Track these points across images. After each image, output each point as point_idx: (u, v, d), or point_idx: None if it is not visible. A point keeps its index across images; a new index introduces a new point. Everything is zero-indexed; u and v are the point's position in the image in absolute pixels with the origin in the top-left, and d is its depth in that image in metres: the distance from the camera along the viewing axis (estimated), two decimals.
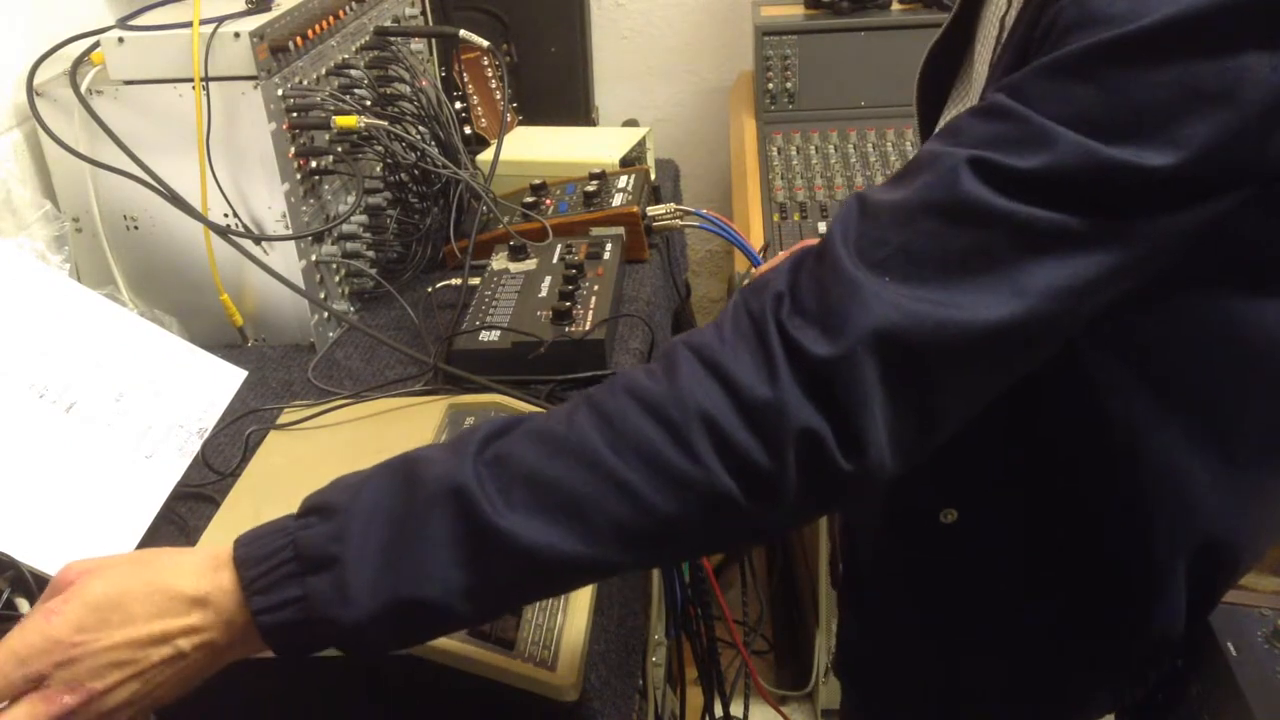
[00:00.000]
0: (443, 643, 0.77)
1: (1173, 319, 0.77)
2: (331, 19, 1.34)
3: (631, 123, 2.14)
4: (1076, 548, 0.87)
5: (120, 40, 1.20)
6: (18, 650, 0.64)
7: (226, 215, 1.23)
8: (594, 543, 0.63)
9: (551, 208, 1.44)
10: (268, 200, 1.23)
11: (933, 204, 0.65)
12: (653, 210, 1.43)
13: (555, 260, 1.30)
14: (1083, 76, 0.64)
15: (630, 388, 0.66)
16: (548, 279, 1.26)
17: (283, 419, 1.08)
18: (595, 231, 1.38)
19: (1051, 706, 0.97)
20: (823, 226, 1.80)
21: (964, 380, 0.66)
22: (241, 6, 1.23)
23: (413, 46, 1.53)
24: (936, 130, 0.84)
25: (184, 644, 0.66)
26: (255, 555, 0.66)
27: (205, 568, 0.66)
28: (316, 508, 0.67)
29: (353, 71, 1.35)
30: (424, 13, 1.68)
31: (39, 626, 0.64)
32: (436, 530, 0.64)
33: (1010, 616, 0.91)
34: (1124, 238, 0.64)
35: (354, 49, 1.39)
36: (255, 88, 1.18)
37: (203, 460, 1.07)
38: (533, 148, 1.69)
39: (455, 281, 1.34)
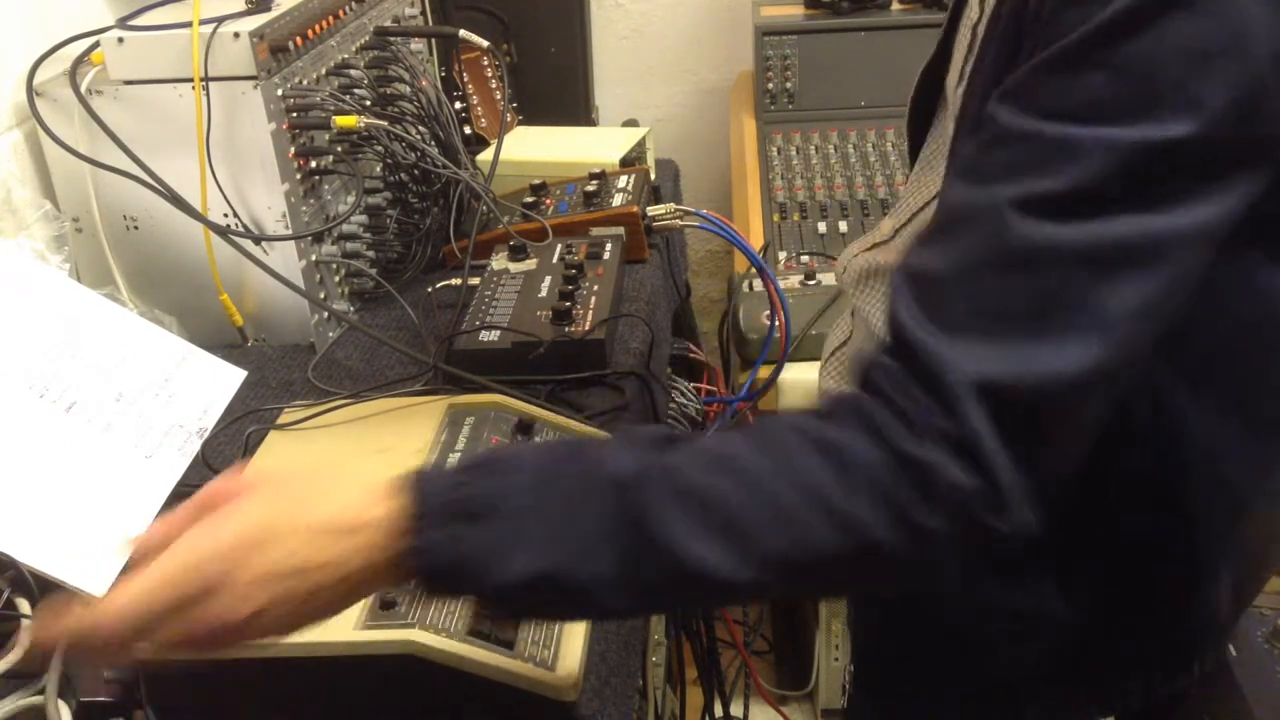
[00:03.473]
0: (443, 642, 0.77)
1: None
2: (331, 19, 1.34)
3: (631, 123, 2.14)
4: (1107, 528, 0.85)
5: (120, 40, 1.20)
6: (170, 573, 0.64)
7: (226, 215, 1.23)
8: (748, 566, 0.65)
9: (551, 208, 1.44)
10: (267, 200, 1.23)
11: (989, 260, 0.65)
12: (653, 210, 1.42)
13: (555, 260, 1.30)
14: (1084, 63, 0.64)
15: (802, 427, 0.68)
16: (548, 279, 1.26)
17: (283, 419, 1.08)
18: (595, 231, 1.38)
19: (1080, 698, 0.95)
20: (823, 226, 1.80)
21: (1081, 419, 0.67)
22: (241, 6, 1.23)
23: (413, 46, 1.53)
24: (950, 162, 0.83)
25: (324, 576, 0.65)
26: (423, 495, 0.66)
27: (364, 502, 0.66)
28: (488, 463, 0.68)
29: (353, 71, 1.35)
30: (424, 13, 1.68)
31: (191, 546, 0.64)
32: (599, 520, 0.65)
33: (1041, 605, 0.90)
34: (1180, 232, 0.64)
35: (354, 49, 1.39)
36: (255, 88, 1.18)
37: (203, 460, 1.07)
38: (533, 148, 1.69)
39: (455, 281, 1.34)
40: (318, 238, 1.29)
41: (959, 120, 0.85)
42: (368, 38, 1.43)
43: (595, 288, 1.24)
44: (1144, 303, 0.64)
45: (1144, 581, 0.87)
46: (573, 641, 0.82)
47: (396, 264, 1.40)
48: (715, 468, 0.66)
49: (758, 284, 1.60)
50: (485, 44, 1.51)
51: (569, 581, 0.65)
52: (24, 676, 0.85)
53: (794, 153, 1.94)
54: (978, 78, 0.78)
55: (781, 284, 1.44)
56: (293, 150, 1.24)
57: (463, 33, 1.50)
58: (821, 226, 1.80)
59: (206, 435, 1.10)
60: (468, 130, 1.78)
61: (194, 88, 1.18)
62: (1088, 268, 0.63)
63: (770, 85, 1.99)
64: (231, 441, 1.10)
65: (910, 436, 0.64)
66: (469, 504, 0.65)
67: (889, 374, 0.67)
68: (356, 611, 0.79)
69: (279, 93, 1.21)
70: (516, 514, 0.65)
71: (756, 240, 1.76)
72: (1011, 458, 0.64)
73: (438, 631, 0.78)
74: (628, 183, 1.46)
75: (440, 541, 0.65)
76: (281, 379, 1.24)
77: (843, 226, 1.79)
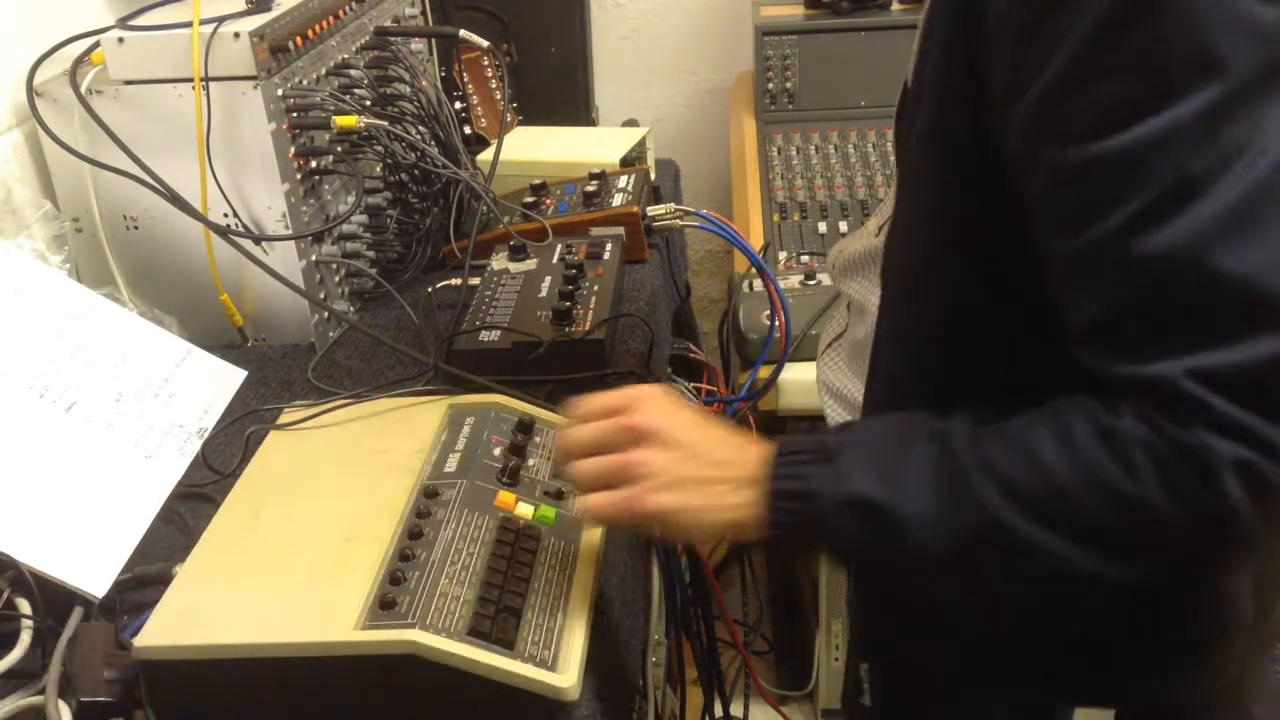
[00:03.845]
0: (443, 642, 0.77)
1: None
2: (331, 19, 1.34)
3: (631, 123, 2.14)
4: None
5: (120, 40, 1.20)
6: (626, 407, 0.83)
7: (226, 215, 1.23)
8: (1031, 523, 0.71)
9: (551, 208, 1.44)
10: (268, 200, 1.23)
11: (1137, 290, 0.67)
12: (653, 210, 1.42)
13: (555, 260, 1.30)
14: (1098, 72, 0.65)
15: (1083, 409, 0.72)
16: (548, 279, 1.26)
17: (283, 419, 1.08)
18: (595, 231, 1.38)
19: (1083, 689, 0.96)
20: (823, 226, 1.80)
21: None
22: (241, 6, 1.23)
23: (413, 46, 1.53)
24: (903, 158, 0.88)
25: (716, 473, 0.81)
26: (782, 445, 0.81)
27: (743, 441, 0.83)
28: (835, 427, 0.88)
29: (353, 71, 1.35)
30: (424, 13, 1.68)
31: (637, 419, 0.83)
32: (922, 458, 0.75)
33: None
34: (1276, 162, 0.65)
35: (354, 49, 1.39)
36: (255, 88, 1.18)
37: (203, 460, 1.07)
38: (533, 148, 1.69)
39: (455, 281, 1.34)
40: (318, 238, 1.29)
41: (898, 112, 0.88)
42: (368, 38, 1.43)
43: (595, 288, 1.24)
44: None
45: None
46: (573, 641, 0.82)
47: (396, 264, 1.40)
48: (1007, 445, 0.73)
49: (758, 284, 1.60)
50: (485, 44, 1.51)
51: (893, 509, 0.74)
52: (24, 676, 0.85)
53: (794, 153, 1.94)
54: (924, 68, 0.80)
55: (781, 284, 1.44)
56: (293, 150, 1.24)
57: (463, 33, 1.50)
58: (821, 226, 1.80)
59: (206, 435, 1.10)
60: (468, 130, 1.78)
61: (194, 88, 1.18)
62: (1217, 245, 0.64)
63: (770, 85, 1.99)
64: (231, 441, 1.10)
65: (1175, 426, 0.67)
66: (817, 445, 0.79)
67: (1127, 408, 0.69)
68: (356, 612, 0.79)
69: (279, 93, 1.21)
70: (853, 452, 0.77)
71: (756, 240, 1.76)
72: (1270, 424, 0.65)
73: (438, 631, 0.78)
74: (628, 183, 1.46)
75: (792, 475, 0.78)
76: (281, 379, 1.24)
77: (843, 226, 1.79)
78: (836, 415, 1.10)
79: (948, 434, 0.75)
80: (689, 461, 0.81)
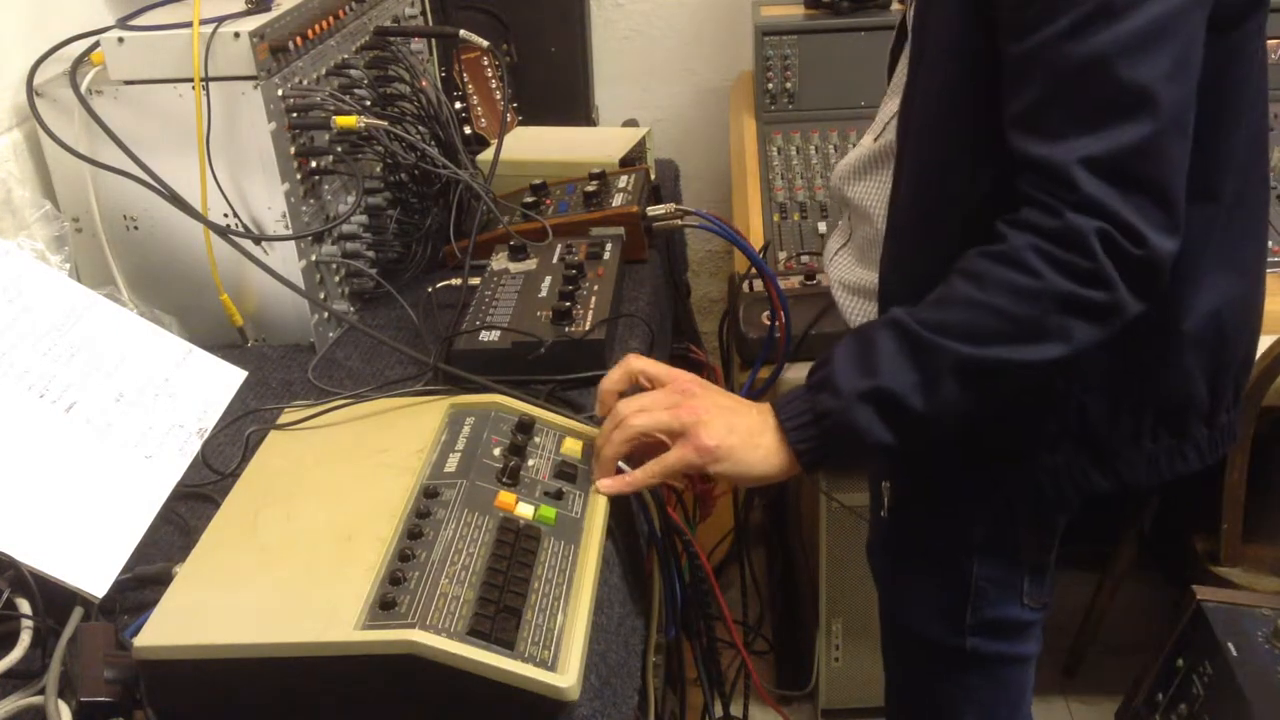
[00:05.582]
0: (443, 642, 0.77)
1: None
2: (331, 19, 1.34)
3: (631, 123, 2.14)
4: None
5: (120, 40, 1.20)
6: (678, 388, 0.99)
7: (226, 215, 1.24)
8: (982, 347, 0.90)
9: (551, 208, 1.44)
10: (268, 200, 1.23)
11: (1059, 80, 0.87)
12: (653, 210, 1.42)
13: (555, 260, 1.30)
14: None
15: (981, 252, 0.92)
16: (548, 279, 1.26)
17: (283, 419, 1.08)
18: (595, 231, 1.38)
19: (1087, 461, 1.07)
20: (823, 226, 1.80)
21: (1165, 160, 0.87)
22: (241, 6, 1.23)
23: (413, 46, 1.53)
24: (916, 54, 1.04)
25: (746, 422, 0.97)
26: (786, 393, 0.99)
27: (764, 410, 0.99)
28: (819, 362, 0.98)
29: (353, 71, 1.35)
30: (424, 13, 1.68)
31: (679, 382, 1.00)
32: (887, 344, 0.93)
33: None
34: (1177, 6, 0.85)
35: (354, 49, 1.39)
36: (255, 88, 1.18)
37: (203, 460, 1.07)
38: (533, 148, 1.69)
39: (455, 281, 1.34)
40: (318, 238, 1.29)
41: (900, 27, 1.10)
42: (368, 38, 1.43)
43: (595, 288, 1.24)
44: (1172, 64, 0.86)
45: (1122, 352, 0.99)
46: (573, 641, 0.82)
47: (396, 264, 1.40)
48: (939, 304, 0.93)
49: (758, 284, 1.60)
50: (485, 44, 1.51)
51: (884, 387, 0.91)
52: (24, 676, 0.85)
53: (794, 153, 1.94)
54: None
55: (781, 284, 1.44)
56: (293, 150, 1.24)
57: (463, 33, 1.50)
58: (821, 226, 1.80)
59: (206, 435, 1.10)
60: (468, 130, 1.78)
61: (194, 88, 1.18)
62: (1125, 59, 0.84)
63: (770, 85, 1.99)
64: (231, 441, 1.10)
65: (1048, 219, 0.87)
66: (808, 384, 0.97)
67: (1026, 183, 0.90)
68: (356, 612, 0.79)
69: (279, 93, 1.22)
70: (838, 373, 0.94)
71: (756, 240, 1.76)
72: (1126, 201, 0.86)
73: (438, 632, 0.78)
74: (628, 183, 1.46)
75: (795, 414, 0.96)
76: (281, 379, 1.24)
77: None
78: (851, 305, 1.26)
79: (894, 320, 0.93)
80: (730, 414, 0.97)
